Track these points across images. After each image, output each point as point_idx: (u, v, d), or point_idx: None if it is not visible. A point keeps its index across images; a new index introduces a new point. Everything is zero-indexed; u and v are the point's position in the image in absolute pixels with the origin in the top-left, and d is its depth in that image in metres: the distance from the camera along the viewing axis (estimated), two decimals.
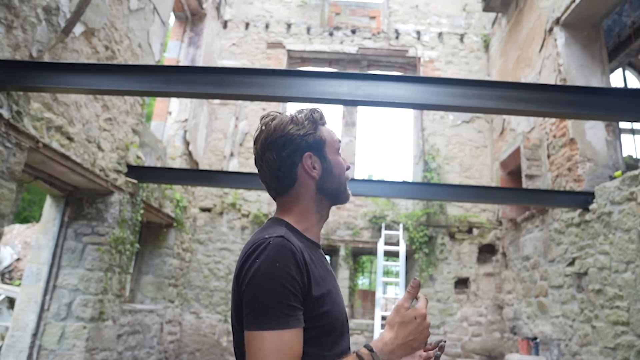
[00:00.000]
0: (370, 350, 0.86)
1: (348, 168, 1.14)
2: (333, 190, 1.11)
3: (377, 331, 5.99)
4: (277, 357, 0.82)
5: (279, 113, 1.10)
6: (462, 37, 8.73)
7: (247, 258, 0.90)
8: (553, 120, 5.60)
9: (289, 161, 1.05)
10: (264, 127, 1.07)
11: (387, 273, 10.85)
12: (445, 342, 1.09)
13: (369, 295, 11.32)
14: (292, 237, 0.95)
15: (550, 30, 5.76)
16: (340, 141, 1.15)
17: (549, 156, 5.71)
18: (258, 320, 0.84)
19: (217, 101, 8.17)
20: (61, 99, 3.86)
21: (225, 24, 8.79)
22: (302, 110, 1.11)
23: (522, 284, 6.30)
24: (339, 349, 0.96)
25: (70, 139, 3.95)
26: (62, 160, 3.88)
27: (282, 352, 0.82)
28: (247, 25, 8.85)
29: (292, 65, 8.99)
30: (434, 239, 7.49)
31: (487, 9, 7.77)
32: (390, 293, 12.62)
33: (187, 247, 7.24)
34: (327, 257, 8.76)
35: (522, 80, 6.64)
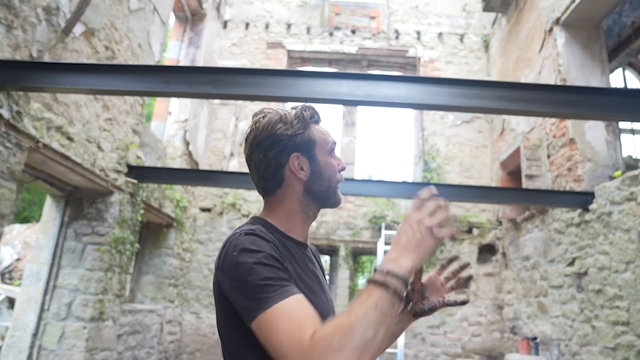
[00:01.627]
0: (380, 270, 0.79)
1: (342, 169, 1.08)
2: (321, 193, 1.05)
3: None
4: (291, 323, 0.77)
5: (271, 110, 1.05)
6: (462, 37, 8.73)
7: (224, 257, 0.88)
8: (553, 120, 5.60)
9: (275, 162, 1.02)
10: (253, 126, 1.04)
11: None
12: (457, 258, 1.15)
13: None
14: (265, 231, 0.94)
15: (550, 30, 5.76)
16: (334, 142, 1.09)
17: (549, 156, 5.71)
18: (256, 306, 0.80)
19: (217, 101, 8.17)
20: (61, 99, 3.86)
21: (225, 24, 8.79)
22: (295, 107, 1.06)
23: (522, 284, 6.30)
24: None
25: (70, 139, 3.95)
26: (62, 160, 3.88)
27: (294, 317, 0.77)
28: (247, 25, 8.85)
29: (292, 65, 8.99)
30: None
31: (487, 9, 7.77)
32: None
33: (187, 247, 7.24)
34: (327, 258, 8.75)
35: (522, 80, 6.64)
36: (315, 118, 1.07)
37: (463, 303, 1.13)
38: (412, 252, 0.81)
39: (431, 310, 1.11)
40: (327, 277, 9.33)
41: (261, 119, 1.04)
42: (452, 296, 1.15)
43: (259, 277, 0.82)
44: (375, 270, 0.81)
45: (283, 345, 0.75)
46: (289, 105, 8.31)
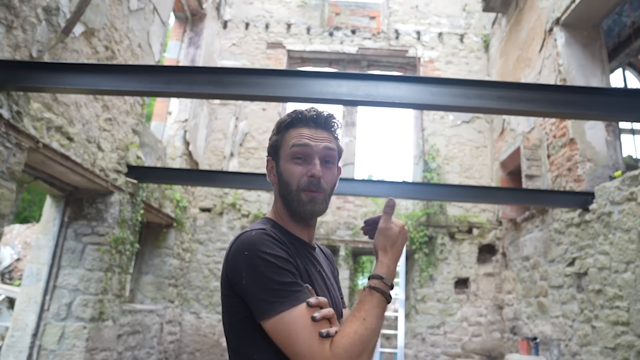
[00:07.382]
0: (380, 277, 0.92)
1: (312, 176, 1.00)
2: (285, 197, 1.04)
3: None
4: (310, 332, 0.82)
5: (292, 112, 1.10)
6: (462, 37, 8.73)
7: (235, 254, 0.91)
8: (553, 120, 5.59)
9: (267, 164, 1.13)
10: None
11: None
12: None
13: None
14: (275, 230, 0.98)
15: (550, 30, 5.76)
16: (300, 145, 1.02)
17: (549, 156, 5.71)
18: (268, 307, 0.84)
19: (217, 101, 8.17)
20: (61, 99, 3.86)
21: (225, 24, 8.79)
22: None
23: (522, 284, 6.30)
24: None
25: (70, 139, 3.94)
26: (62, 160, 3.87)
27: (312, 326, 0.82)
28: (247, 25, 8.85)
29: (292, 65, 8.99)
30: (434, 239, 7.48)
31: (487, 9, 7.77)
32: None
33: (187, 247, 7.23)
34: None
35: (522, 80, 6.64)
36: (295, 122, 1.06)
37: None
38: (397, 260, 0.98)
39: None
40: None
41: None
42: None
43: (271, 279, 0.85)
44: (376, 277, 0.94)
45: (304, 355, 0.81)
46: (289, 105, 8.19)
